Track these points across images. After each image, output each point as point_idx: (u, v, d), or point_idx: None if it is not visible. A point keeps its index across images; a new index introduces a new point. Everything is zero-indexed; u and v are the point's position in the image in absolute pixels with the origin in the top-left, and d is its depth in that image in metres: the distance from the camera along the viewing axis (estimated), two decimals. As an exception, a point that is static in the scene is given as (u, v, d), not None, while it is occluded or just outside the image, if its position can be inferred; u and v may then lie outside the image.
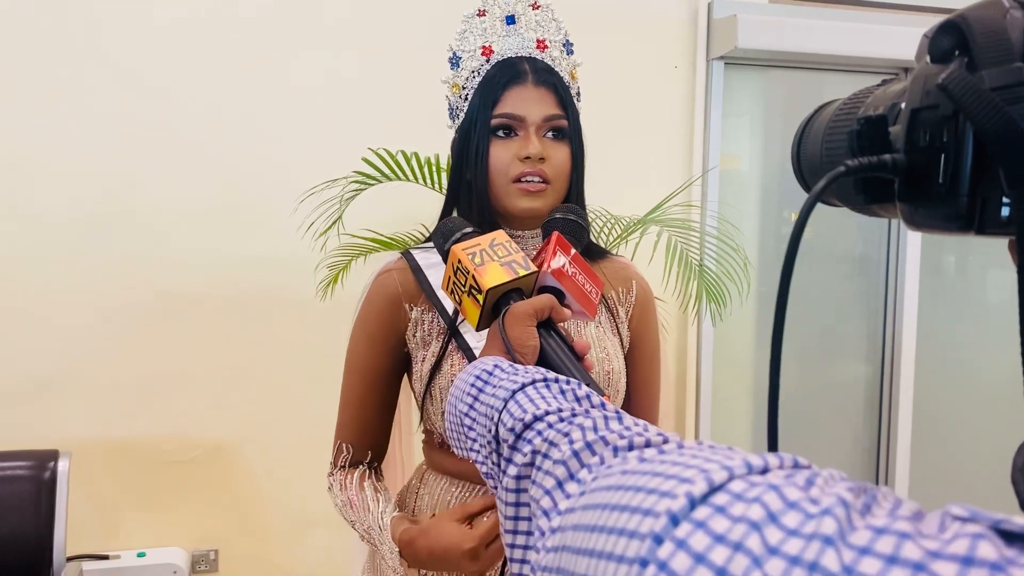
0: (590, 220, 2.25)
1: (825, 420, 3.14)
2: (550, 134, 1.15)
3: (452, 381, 1.13)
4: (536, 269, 0.97)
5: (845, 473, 0.38)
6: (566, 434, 0.58)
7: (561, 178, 1.15)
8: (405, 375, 1.26)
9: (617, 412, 0.62)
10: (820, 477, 0.37)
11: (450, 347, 1.16)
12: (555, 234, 1.01)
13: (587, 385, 0.89)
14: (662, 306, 2.24)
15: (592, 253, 1.26)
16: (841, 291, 3.13)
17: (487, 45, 1.18)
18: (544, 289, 0.98)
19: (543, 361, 0.90)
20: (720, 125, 2.85)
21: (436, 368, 1.16)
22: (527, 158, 1.12)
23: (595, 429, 0.57)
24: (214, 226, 2.53)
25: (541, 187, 1.13)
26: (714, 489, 0.38)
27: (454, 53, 1.20)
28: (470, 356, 1.14)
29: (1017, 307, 0.43)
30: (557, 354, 0.91)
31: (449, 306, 1.17)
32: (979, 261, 3.25)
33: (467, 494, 1.18)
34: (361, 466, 1.25)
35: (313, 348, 2.54)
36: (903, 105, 0.47)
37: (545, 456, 0.59)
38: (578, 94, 1.23)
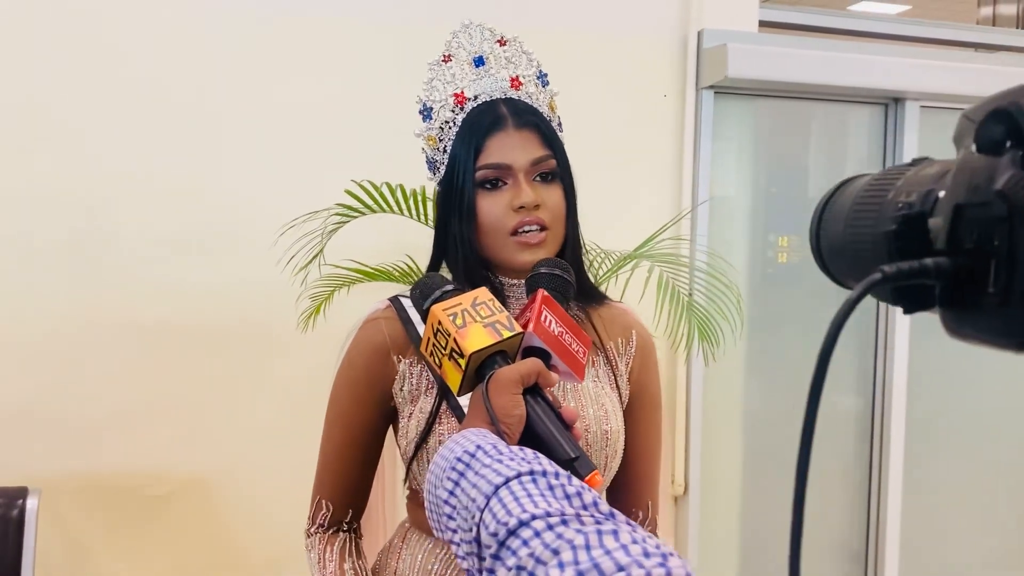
0: (583, 252, 2.21)
1: (816, 453, 3.06)
2: (539, 177, 1.09)
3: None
4: (521, 330, 0.91)
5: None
6: (556, 551, 0.53)
7: (559, 222, 1.10)
8: (390, 428, 1.20)
9: (611, 516, 0.57)
10: None
11: (442, 406, 1.10)
12: (540, 291, 0.96)
13: (575, 457, 0.83)
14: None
15: (589, 298, 1.20)
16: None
17: (458, 92, 1.12)
18: (529, 351, 0.92)
19: (529, 431, 0.85)
20: (711, 155, 2.82)
21: (428, 429, 1.10)
22: (521, 207, 1.06)
23: (588, 548, 0.51)
24: (190, 256, 2.45)
25: (541, 237, 1.08)
26: None
27: (424, 104, 1.14)
28: (462, 416, 1.07)
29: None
30: (544, 423, 0.85)
31: None
32: (969, 292, 3.22)
33: (451, 558, 1.12)
34: (341, 533, 1.19)
35: (293, 379, 2.47)
36: (942, 194, 0.42)
37: (532, 575, 0.53)
38: (560, 124, 1.17)
